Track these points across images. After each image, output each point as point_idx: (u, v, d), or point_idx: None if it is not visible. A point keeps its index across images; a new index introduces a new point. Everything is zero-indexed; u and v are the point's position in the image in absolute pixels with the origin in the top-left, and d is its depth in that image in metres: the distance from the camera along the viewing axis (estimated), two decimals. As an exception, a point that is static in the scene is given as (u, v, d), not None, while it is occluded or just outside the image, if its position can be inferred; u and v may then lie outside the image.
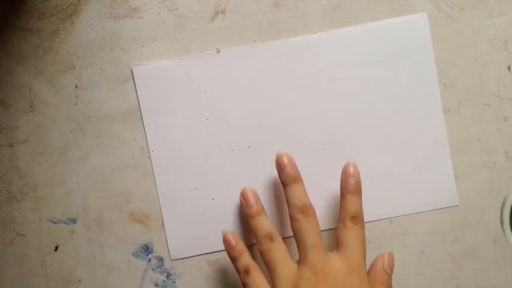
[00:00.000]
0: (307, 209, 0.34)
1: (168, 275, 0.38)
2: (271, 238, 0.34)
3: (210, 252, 0.38)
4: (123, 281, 0.38)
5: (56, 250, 0.38)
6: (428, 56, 0.38)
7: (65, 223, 0.38)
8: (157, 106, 0.38)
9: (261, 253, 0.34)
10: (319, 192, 0.38)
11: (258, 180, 0.38)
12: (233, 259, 0.35)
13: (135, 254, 0.38)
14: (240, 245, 0.35)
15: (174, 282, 0.38)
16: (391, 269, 0.35)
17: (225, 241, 0.36)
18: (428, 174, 0.38)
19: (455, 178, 0.38)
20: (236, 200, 0.38)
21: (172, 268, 0.38)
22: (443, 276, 0.38)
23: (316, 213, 0.34)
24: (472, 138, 0.38)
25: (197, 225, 0.38)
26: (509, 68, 0.38)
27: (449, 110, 0.38)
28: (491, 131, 0.38)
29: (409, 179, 0.38)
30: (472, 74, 0.38)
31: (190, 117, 0.38)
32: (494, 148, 0.38)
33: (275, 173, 0.36)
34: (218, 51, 0.38)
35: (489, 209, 0.38)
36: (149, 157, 0.38)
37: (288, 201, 0.35)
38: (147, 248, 0.38)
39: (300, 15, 0.38)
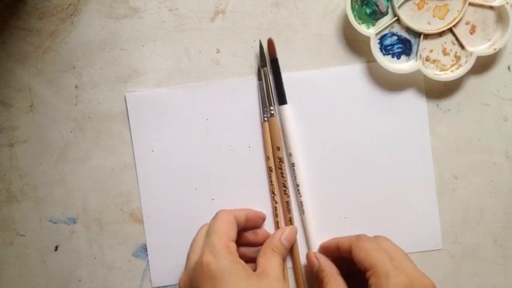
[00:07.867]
0: None
1: (168, 275, 0.38)
2: None
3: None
4: (123, 281, 0.38)
5: (56, 250, 0.38)
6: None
7: (65, 223, 0.38)
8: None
9: None
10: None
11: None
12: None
13: (135, 254, 0.38)
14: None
15: (174, 282, 0.38)
16: (288, 241, 0.35)
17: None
18: (414, 216, 0.38)
19: (455, 178, 0.38)
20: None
21: (172, 268, 0.38)
22: (443, 276, 0.38)
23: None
24: (472, 138, 0.38)
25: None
26: (509, 68, 0.38)
27: (449, 110, 0.38)
28: (491, 131, 0.38)
29: (394, 219, 0.38)
30: (472, 74, 0.38)
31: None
32: (494, 148, 0.38)
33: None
34: (218, 51, 0.38)
35: (489, 209, 0.38)
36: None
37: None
38: (147, 248, 0.38)
39: (300, 15, 0.38)
